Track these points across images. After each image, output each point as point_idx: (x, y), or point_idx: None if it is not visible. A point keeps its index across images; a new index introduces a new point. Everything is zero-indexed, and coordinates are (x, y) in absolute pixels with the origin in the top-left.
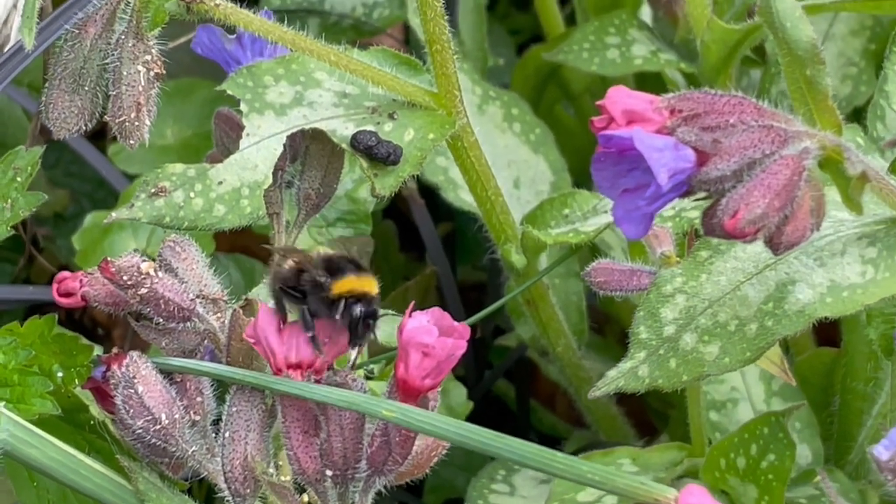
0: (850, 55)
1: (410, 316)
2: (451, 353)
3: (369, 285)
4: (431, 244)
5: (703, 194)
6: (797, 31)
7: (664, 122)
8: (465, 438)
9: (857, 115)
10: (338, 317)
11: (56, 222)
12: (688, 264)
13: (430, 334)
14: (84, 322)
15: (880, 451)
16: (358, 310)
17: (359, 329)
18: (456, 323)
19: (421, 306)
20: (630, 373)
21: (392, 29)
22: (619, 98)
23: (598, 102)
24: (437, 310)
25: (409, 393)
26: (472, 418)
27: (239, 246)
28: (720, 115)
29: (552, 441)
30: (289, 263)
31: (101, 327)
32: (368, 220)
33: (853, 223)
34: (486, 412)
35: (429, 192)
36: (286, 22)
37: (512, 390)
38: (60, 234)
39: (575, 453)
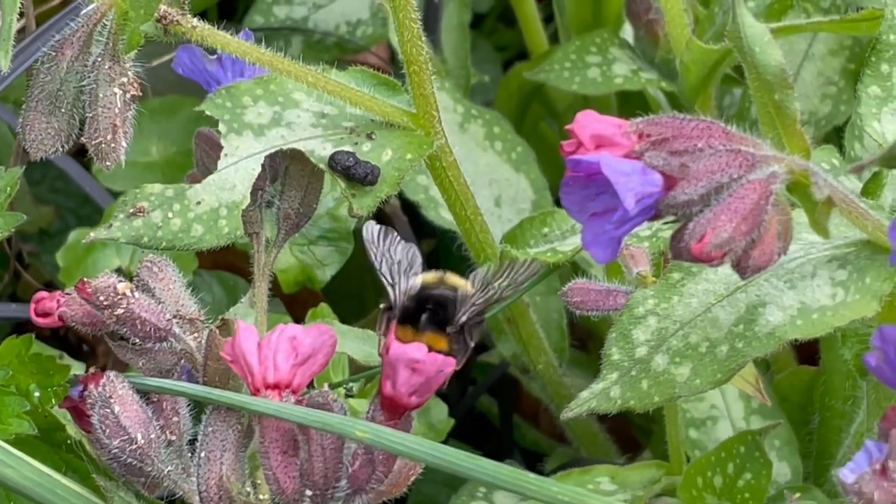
0: (830, 74)
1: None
2: (441, 370)
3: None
4: None
5: (671, 218)
6: (766, 56)
7: (632, 146)
8: (439, 460)
9: (838, 134)
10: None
11: (41, 238)
12: (660, 286)
13: (419, 350)
14: (69, 338)
15: (846, 474)
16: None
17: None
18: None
19: None
20: (602, 394)
21: (376, 47)
22: (588, 123)
23: (567, 127)
24: None
25: (394, 410)
26: (455, 435)
27: (222, 263)
28: (688, 139)
29: (535, 457)
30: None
31: (86, 343)
32: (350, 238)
33: (823, 246)
34: (469, 429)
35: (412, 210)
36: (270, 40)
37: (495, 407)
38: (46, 250)
39: (556, 470)
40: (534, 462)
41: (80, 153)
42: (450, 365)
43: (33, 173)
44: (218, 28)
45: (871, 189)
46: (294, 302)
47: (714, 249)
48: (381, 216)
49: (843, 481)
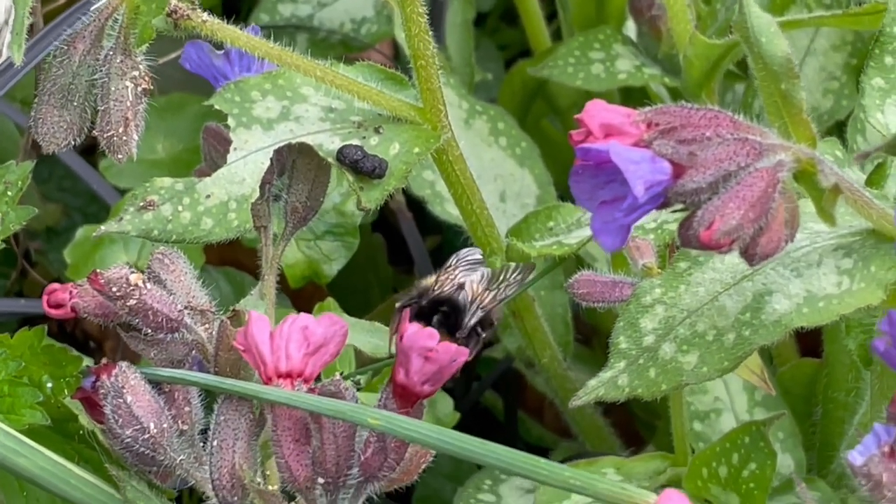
0: (832, 70)
1: (408, 322)
2: (454, 359)
3: None
4: (419, 257)
5: (679, 206)
6: (772, 46)
7: (641, 135)
8: (450, 446)
9: (839, 129)
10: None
11: (48, 236)
12: (667, 275)
13: (432, 338)
14: (76, 335)
15: (854, 457)
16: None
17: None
18: None
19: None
20: (610, 382)
21: (380, 45)
22: (597, 112)
23: (576, 116)
24: None
25: (406, 399)
26: (460, 430)
27: (229, 259)
28: (696, 128)
29: (540, 452)
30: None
31: (93, 340)
32: (356, 233)
33: (829, 234)
34: (474, 424)
35: (417, 206)
36: (275, 38)
37: (500, 402)
38: (52, 248)
39: (561, 463)
40: (539, 457)
41: (87, 151)
42: (463, 354)
43: (41, 171)
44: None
45: (875, 179)
46: (300, 297)
47: (723, 237)
48: (386, 213)
49: (852, 464)
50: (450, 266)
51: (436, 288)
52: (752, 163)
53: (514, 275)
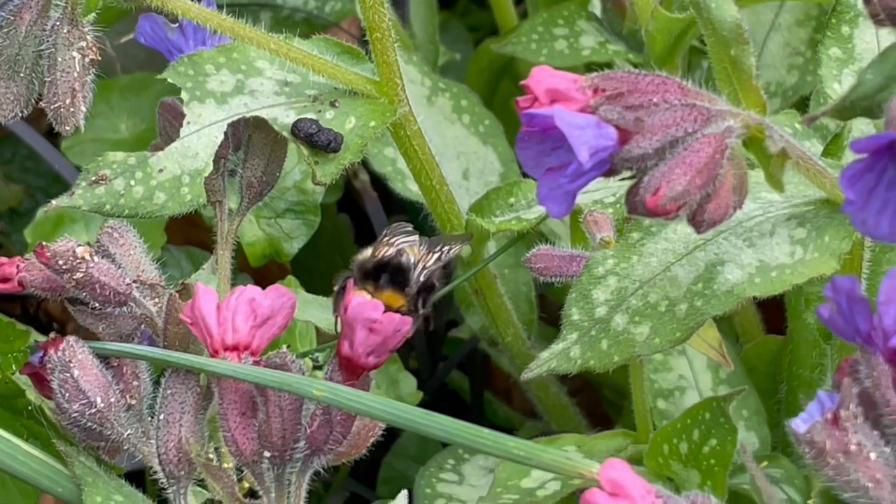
0: (796, 45)
1: (352, 293)
2: (398, 329)
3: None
4: None
5: (628, 174)
6: (721, 12)
7: (587, 101)
8: (395, 417)
9: (805, 104)
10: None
11: (11, 218)
12: (620, 246)
13: (376, 309)
14: (39, 316)
15: (798, 424)
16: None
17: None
18: None
19: None
20: (562, 354)
21: (346, 22)
22: (543, 77)
23: (522, 82)
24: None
25: (352, 370)
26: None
27: (194, 240)
28: (643, 94)
29: (507, 432)
30: None
31: (56, 321)
32: (317, 210)
33: (783, 204)
34: (440, 405)
35: (382, 186)
36: (239, 15)
37: (467, 383)
38: (16, 229)
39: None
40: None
41: (51, 132)
42: (406, 324)
43: (4, 152)
44: None
45: (832, 150)
46: (264, 277)
47: (668, 202)
48: (350, 192)
49: (796, 431)
50: (386, 236)
51: (377, 254)
52: (700, 129)
53: (456, 242)
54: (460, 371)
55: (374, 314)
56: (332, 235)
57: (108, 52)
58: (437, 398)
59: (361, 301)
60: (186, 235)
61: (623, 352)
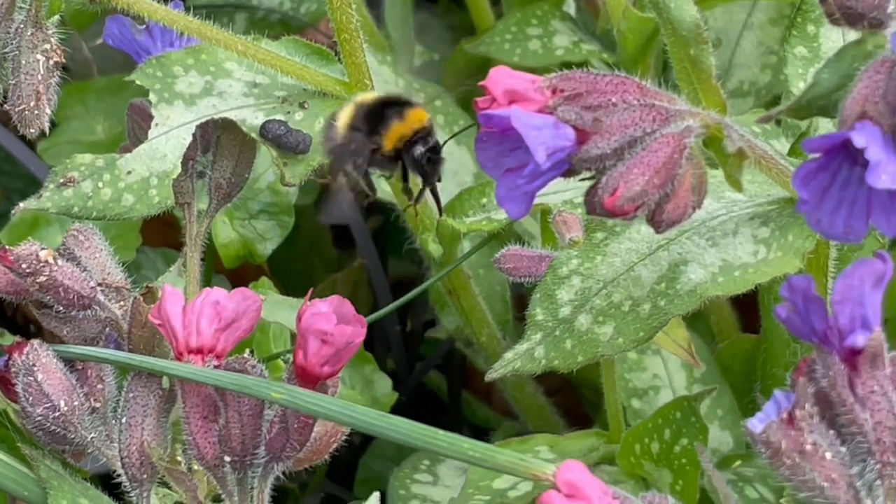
0: (770, 44)
1: (309, 303)
2: (350, 341)
3: (417, 118)
4: (361, 237)
5: (587, 174)
6: (681, 11)
7: (546, 101)
8: (352, 420)
9: (778, 104)
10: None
11: None
12: (584, 246)
13: (328, 321)
14: (16, 319)
15: (754, 424)
16: (417, 152)
17: (426, 169)
18: (355, 312)
19: (351, 299)
20: (526, 354)
21: (322, 23)
22: (501, 78)
23: (481, 83)
24: (336, 297)
25: (307, 380)
26: (404, 412)
27: (172, 242)
28: (602, 94)
29: (485, 433)
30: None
31: (33, 324)
32: (291, 212)
33: (746, 204)
34: (418, 406)
35: None
36: (213, 17)
37: (445, 383)
38: None
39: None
40: (482, 438)
41: None
42: (359, 336)
43: None
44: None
45: (798, 149)
46: (241, 279)
47: (626, 203)
48: (325, 192)
49: (752, 431)
50: None
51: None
52: (659, 129)
53: None
54: (438, 371)
55: (326, 326)
56: (309, 236)
57: (84, 53)
58: (415, 399)
59: (315, 312)
60: (164, 237)
61: (587, 352)
